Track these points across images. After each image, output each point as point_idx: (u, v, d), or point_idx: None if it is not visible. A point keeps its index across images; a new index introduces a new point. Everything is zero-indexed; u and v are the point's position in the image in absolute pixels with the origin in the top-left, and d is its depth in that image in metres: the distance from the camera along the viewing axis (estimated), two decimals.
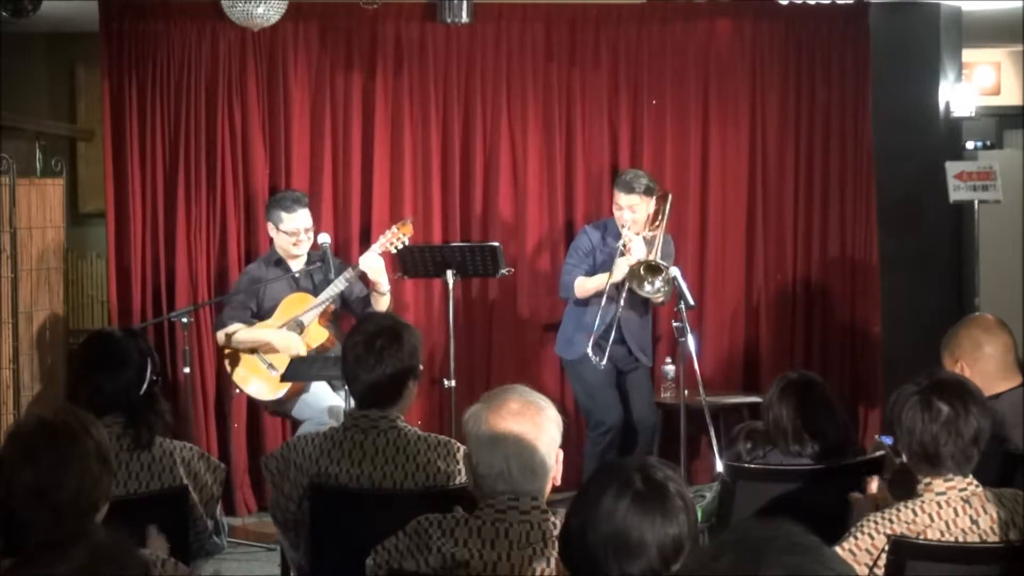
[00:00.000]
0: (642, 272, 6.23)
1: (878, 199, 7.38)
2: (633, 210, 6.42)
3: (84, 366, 3.71)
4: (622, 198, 6.45)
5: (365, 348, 3.67)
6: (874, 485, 3.67)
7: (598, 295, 6.38)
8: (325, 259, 6.22)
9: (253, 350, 6.21)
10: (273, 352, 6.17)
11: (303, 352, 6.12)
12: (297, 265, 6.34)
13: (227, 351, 6.30)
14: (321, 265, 6.25)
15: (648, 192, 6.45)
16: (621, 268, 6.29)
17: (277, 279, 6.29)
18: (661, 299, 6.41)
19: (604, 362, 6.34)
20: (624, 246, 6.35)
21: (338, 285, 6.17)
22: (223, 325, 6.27)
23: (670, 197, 6.62)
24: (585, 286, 6.49)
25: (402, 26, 7.06)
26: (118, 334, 3.83)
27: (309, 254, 6.36)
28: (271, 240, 6.50)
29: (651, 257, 6.30)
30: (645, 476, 2.27)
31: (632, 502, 2.24)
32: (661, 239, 6.42)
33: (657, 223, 6.47)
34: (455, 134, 7.13)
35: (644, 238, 6.40)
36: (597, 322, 6.33)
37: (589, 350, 6.32)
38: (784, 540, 1.70)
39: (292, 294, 6.26)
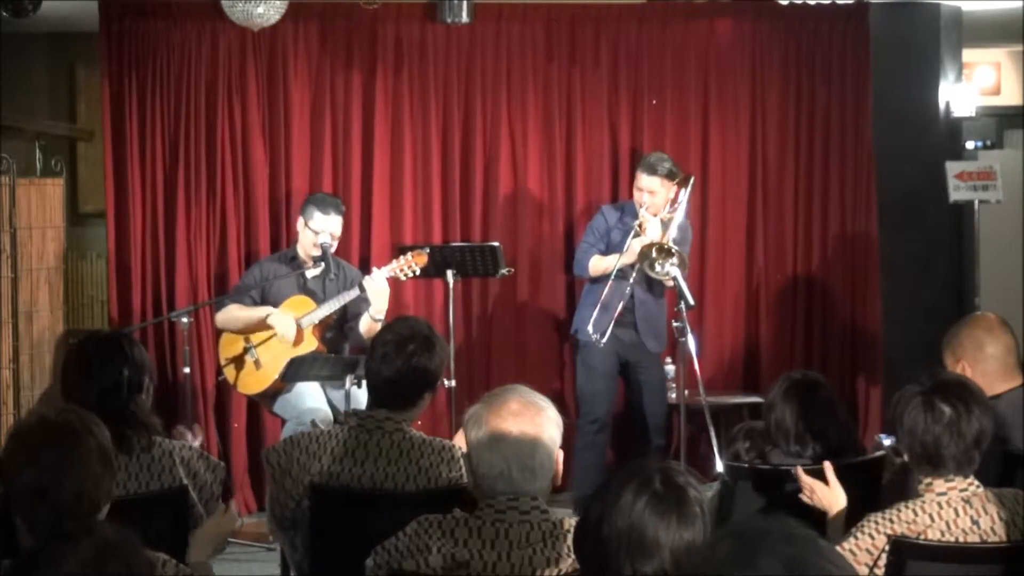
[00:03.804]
0: (654, 254, 6.18)
1: (878, 199, 7.38)
2: (653, 193, 6.39)
3: (64, 371, 3.70)
4: (643, 180, 6.42)
5: (395, 348, 3.67)
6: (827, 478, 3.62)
7: (612, 276, 6.31)
8: (326, 259, 6.16)
9: (246, 338, 6.17)
10: (267, 331, 6.10)
11: (292, 333, 6.02)
12: (312, 271, 6.23)
13: (222, 342, 6.28)
14: (324, 267, 6.16)
15: (670, 176, 6.42)
16: (633, 249, 6.27)
17: (286, 276, 6.23)
18: (672, 284, 6.40)
19: (604, 340, 6.28)
20: (639, 226, 6.34)
21: (346, 297, 6.08)
22: (223, 307, 6.26)
23: (692, 181, 6.59)
24: (599, 265, 6.47)
25: (402, 26, 7.06)
26: (94, 339, 3.78)
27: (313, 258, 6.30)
28: (285, 237, 6.47)
29: (664, 240, 6.27)
30: (665, 478, 2.29)
31: (650, 501, 2.25)
32: (677, 222, 6.40)
33: (675, 207, 6.46)
34: (455, 134, 7.13)
35: (661, 219, 6.37)
36: (613, 301, 6.28)
37: (590, 327, 6.27)
38: (781, 532, 1.74)
39: (296, 295, 6.22)
